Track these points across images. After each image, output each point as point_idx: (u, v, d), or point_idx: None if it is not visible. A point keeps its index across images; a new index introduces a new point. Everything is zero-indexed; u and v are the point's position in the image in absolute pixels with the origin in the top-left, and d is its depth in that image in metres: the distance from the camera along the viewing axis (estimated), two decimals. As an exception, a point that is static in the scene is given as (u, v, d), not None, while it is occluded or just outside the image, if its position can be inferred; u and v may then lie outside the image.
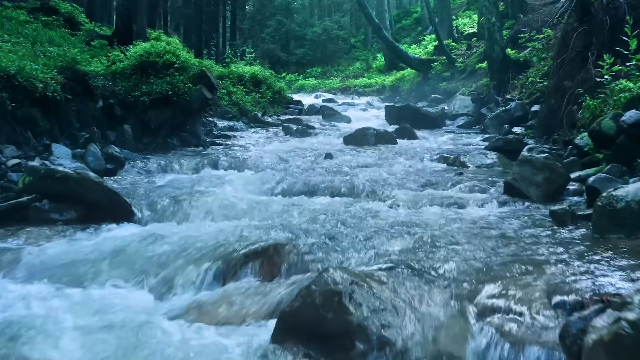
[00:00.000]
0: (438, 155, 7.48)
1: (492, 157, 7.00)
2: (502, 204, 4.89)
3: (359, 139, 9.07)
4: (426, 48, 24.45)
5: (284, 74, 31.32)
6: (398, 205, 4.76)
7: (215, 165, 6.80)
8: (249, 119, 13.00)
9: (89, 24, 13.11)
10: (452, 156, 7.20)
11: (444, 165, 6.95)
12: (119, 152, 6.65)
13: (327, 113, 14.33)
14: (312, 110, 15.82)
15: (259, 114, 13.30)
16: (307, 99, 20.69)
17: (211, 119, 11.71)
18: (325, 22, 34.45)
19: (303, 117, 14.09)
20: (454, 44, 21.18)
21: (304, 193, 5.41)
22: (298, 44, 33.73)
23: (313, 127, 11.34)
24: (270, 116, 14.10)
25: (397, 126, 10.76)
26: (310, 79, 30.74)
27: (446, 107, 15.43)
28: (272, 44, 32.73)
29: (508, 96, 11.85)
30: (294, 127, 11.19)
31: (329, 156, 7.51)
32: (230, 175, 6.13)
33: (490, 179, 5.85)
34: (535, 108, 10.39)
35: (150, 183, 5.74)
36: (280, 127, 11.49)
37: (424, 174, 6.14)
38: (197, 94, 8.16)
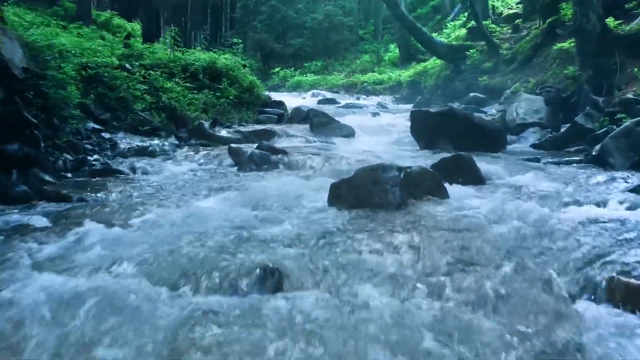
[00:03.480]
0: (602, 276, 2.45)
1: None
2: None
3: (366, 192, 4.03)
4: (450, 37, 19.27)
5: (277, 69, 26.27)
6: None
7: None
8: (189, 132, 8.03)
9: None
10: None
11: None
12: None
13: (318, 121, 9.26)
14: (298, 115, 10.73)
15: (206, 124, 8.30)
16: (298, 100, 15.67)
17: (107, 136, 6.75)
18: (327, 6, 29.06)
19: (280, 128, 9.07)
20: (493, 25, 16.06)
21: None
22: (296, 33, 28.41)
23: (284, 152, 6.28)
24: (228, 126, 9.09)
25: (433, 149, 5.79)
26: (308, 74, 25.55)
27: (494, 111, 10.73)
28: (264, 33, 27.48)
29: (630, 95, 6.76)
30: (249, 150, 6.21)
31: (263, 286, 2.40)
32: None
33: None
34: None
35: None
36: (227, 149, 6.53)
37: None
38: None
